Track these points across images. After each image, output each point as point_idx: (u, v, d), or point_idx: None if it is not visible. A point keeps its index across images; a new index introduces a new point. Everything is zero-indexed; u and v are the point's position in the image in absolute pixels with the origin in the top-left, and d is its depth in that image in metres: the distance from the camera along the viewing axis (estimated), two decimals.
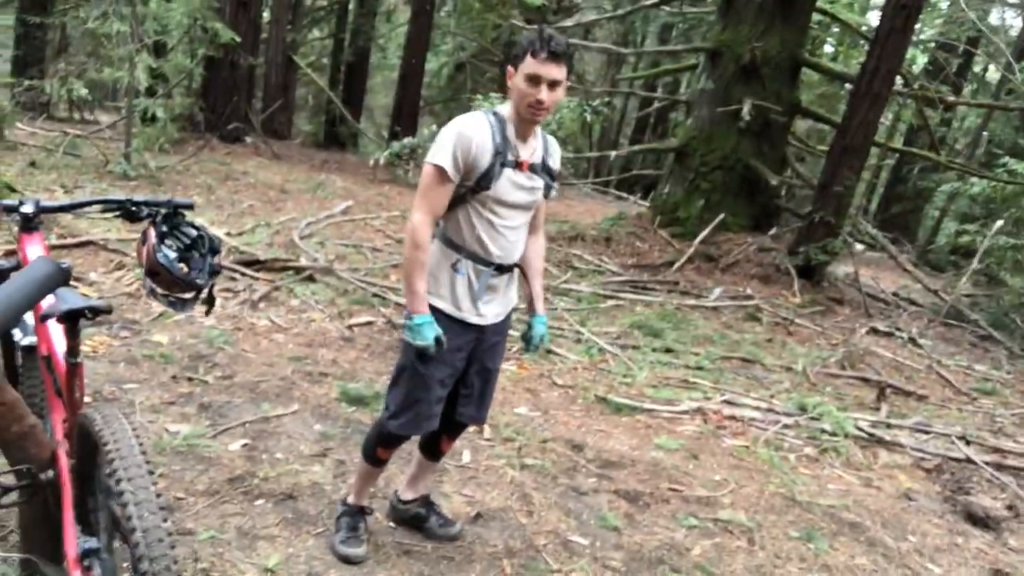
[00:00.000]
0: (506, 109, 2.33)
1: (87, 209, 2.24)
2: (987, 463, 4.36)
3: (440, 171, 2.25)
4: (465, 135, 2.24)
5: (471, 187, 2.29)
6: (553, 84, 2.18)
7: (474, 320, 2.43)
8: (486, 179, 2.28)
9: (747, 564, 2.99)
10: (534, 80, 2.17)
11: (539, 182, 2.41)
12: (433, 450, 2.77)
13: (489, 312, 2.46)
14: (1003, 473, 4.29)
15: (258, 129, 14.08)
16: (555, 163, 2.48)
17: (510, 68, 2.25)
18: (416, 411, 2.44)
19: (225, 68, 12.96)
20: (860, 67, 9.28)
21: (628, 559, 2.90)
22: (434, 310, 2.35)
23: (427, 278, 2.36)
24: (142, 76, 8.67)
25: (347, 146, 17.41)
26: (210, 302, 2.11)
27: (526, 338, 2.62)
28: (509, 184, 2.32)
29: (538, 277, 2.65)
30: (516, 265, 2.50)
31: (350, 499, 2.71)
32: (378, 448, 2.58)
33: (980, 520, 3.72)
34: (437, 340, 2.30)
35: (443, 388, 2.46)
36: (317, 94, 19.20)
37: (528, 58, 2.17)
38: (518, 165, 2.33)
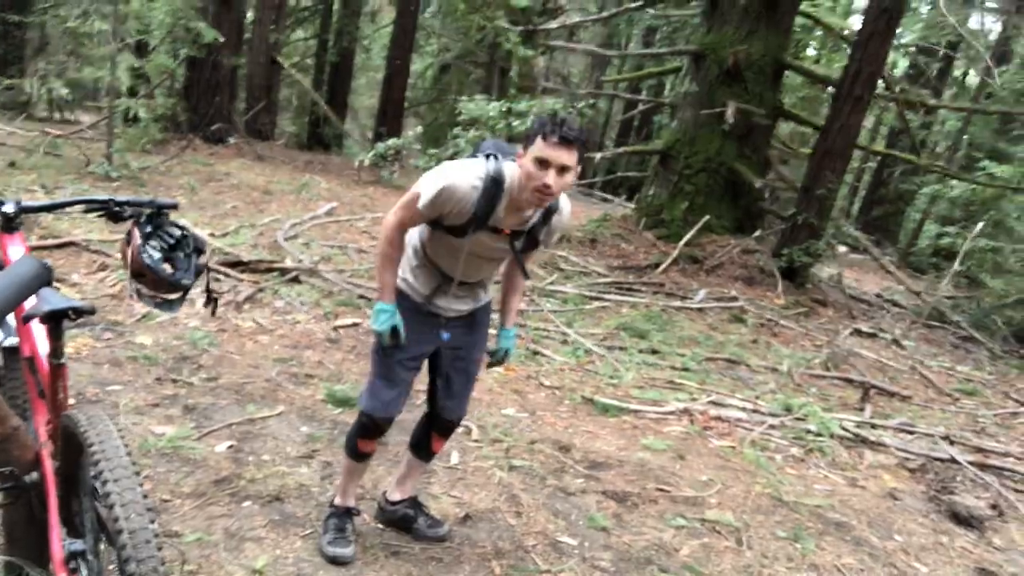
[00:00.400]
0: (514, 171, 2.23)
1: (69, 209, 2.21)
2: (970, 463, 4.40)
3: (417, 205, 2.24)
4: (448, 192, 2.18)
5: (444, 227, 2.30)
6: (563, 169, 2.10)
7: (434, 311, 2.49)
8: (457, 232, 2.28)
9: (735, 564, 3.00)
10: (543, 163, 2.09)
11: (514, 245, 2.36)
12: (424, 449, 2.76)
13: (448, 306, 2.50)
14: (986, 472, 4.34)
15: (241, 130, 13.99)
16: (547, 236, 2.40)
17: (520, 148, 2.18)
18: (379, 390, 2.49)
19: (208, 68, 12.88)
20: (842, 70, 9.37)
21: (617, 559, 2.90)
22: (400, 293, 2.44)
23: (401, 264, 2.44)
24: (124, 76, 8.59)
25: (331, 147, 17.33)
26: (213, 302, 2.12)
27: (490, 351, 2.65)
28: (479, 243, 2.32)
29: (515, 294, 2.66)
30: (482, 281, 2.54)
31: (336, 500, 2.70)
32: (358, 440, 2.58)
33: (964, 519, 3.75)
34: (394, 330, 2.38)
35: (405, 370, 2.50)
36: (301, 95, 19.10)
37: (539, 140, 2.09)
38: (497, 231, 2.29)
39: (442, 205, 2.20)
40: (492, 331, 2.69)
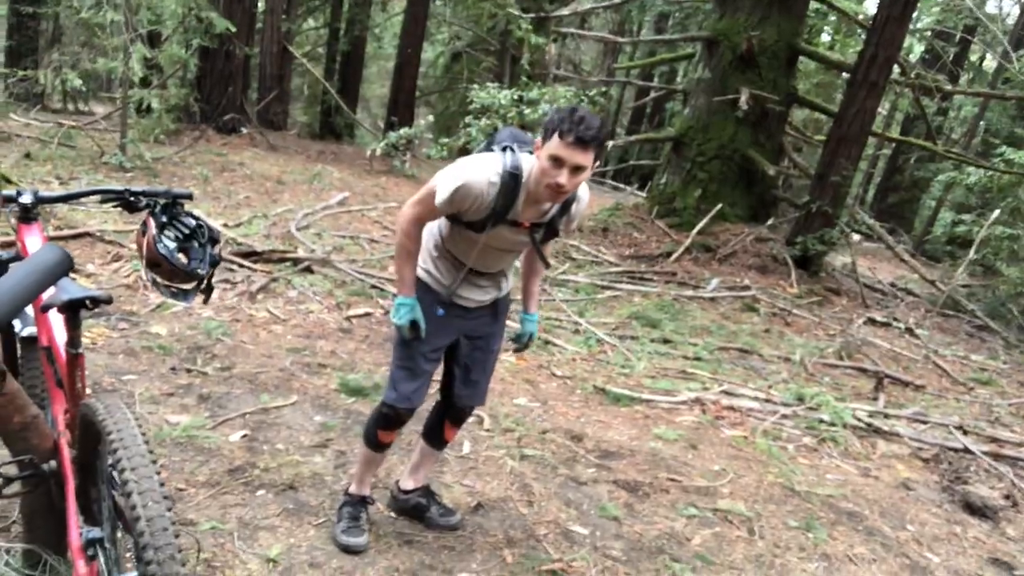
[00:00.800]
0: (531, 164, 2.19)
1: (85, 199, 2.22)
2: (984, 453, 4.38)
3: (434, 202, 2.23)
4: (465, 190, 2.15)
5: (463, 222, 2.29)
6: (577, 169, 2.06)
7: (455, 300, 2.48)
8: (476, 227, 2.27)
9: (747, 554, 3.00)
10: (557, 162, 2.05)
11: (534, 237, 2.34)
12: (437, 438, 2.78)
13: (471, 296, 2.50)
14: (1000, 463, 4.31)
15: (254, 120, 14.01)
16: (566, 225, 2.38)
17: (538, 140, 2.14)
18: (401, 382, 2.49)
19: (220, 58, 12.89)
20: (857, 56, 9.27)
21: (628, 549, 2.91)
22: (421, 284, 2.44)
23: (422, 255, 2.45)
24: (137, 67, 8.60)
25: (343, 136, 17.36)
26: (208, 291, 2.11)
27: (514, 337, 2.67)
28: (498, 237, 2.31)
29: (535, 279, 2.67)
30: (503, 271, 2.54)
31: (351, 488, 2.72)
32: (378, 430, 2.59)
33: (978, 509, 3.74)
34: (413, 324, 2.38)
35: (428, 362, 2.50)
36: (312, 84, 19.11)
37: (555, 137, 2.03)
38: (516, 224, 2.28)
39: (459, 203, 2.19)
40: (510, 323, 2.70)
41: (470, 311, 2.52)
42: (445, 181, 2.19)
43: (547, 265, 2.56)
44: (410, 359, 2.47)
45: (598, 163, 2.14)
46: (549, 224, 2.34)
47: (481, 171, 2.17)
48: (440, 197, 2.19)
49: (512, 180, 2.18)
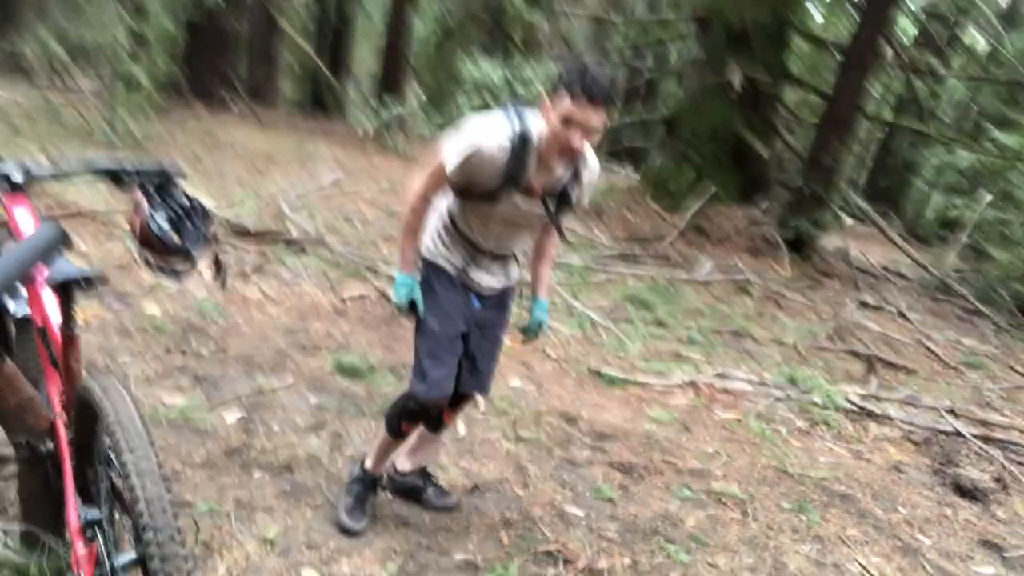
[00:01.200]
0: (540, 126, 2.12)
1: (76, 177, 2.19)
2: (975, 436, 4.42)
3: (444, 168, 2.17)
4: (478, 156, 2.09)
5: (475, 194, 2.23)
6: (590, 129, 2.01)
7: (470, 286, 2.45)
8: (488, 197, 2.21)
9: (740, 535, 3.02)
10: (570, 123, 1.99)
11: (547, 206, 2.27)
12: (435, 422, 2.76)
13: (484, 282, 2.46)
14: (990, 445, 4.35)
15: (243, 95, 13.86)
16: (579, 192, 2.30)
17: (545, 98, 2.07)
18: (429, 370, 2.40)
19: (209, 33, 12.72)
20: (851, 37, 9.24)
21: (623, 530, 2.92)
22: (437, 267, 2.40)
23: (432, 237, 2.41)
24: (124, 41, 8.46)
25: (333, 113, 17.20)
26: (222, 273, 2.10)
27: (524, 327, 2.60)
28: (512, 206, 2.25)
29: (546, 263, 2.59)
30: (513, 254, 2.50)
31: (367, 464, 2.68)
32: (402, 422, 2.56)
33: (968, 492, 3.77)
34: (411, 304, 2.34)
35: (451, 344, 2.42)
36: (302, 60, 18.87)
37: (567, 99, 1.98)
38: (529, 190, 2.22)
39: (471, 170, 2.13)
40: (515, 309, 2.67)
41: (481, 297, 2.47)
42: (455, 148, 2.13)
43: (562, 235, 2.49)
44: (435, 343, 2.39)
45: (607, 122, 2.07)
46: (562, 193, 2.28)
47: (492, 135, 2.10)
48: (451, 164, 2.13)
49: (523, 144, 2.12)
